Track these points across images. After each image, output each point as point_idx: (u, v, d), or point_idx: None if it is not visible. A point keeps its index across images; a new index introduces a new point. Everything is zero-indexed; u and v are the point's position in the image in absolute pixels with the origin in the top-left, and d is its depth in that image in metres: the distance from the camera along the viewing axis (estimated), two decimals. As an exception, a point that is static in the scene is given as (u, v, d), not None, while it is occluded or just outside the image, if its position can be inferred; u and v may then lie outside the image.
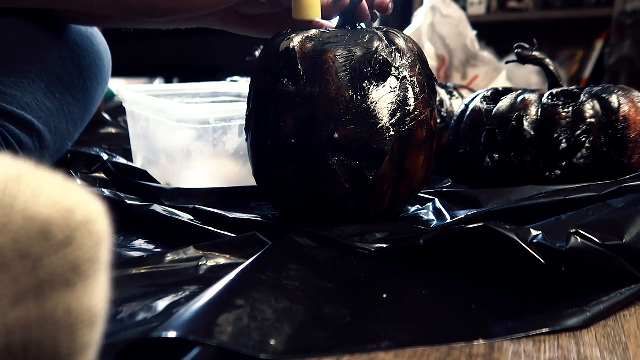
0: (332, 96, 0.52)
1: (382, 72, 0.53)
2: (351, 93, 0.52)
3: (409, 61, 0.55)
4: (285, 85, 0.54)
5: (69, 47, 0.72)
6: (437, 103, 0.85)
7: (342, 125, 0.52)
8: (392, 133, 0.53)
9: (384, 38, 0.55)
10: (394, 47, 0.54)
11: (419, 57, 0.56)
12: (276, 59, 0.55)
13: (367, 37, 0.54)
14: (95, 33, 0.78)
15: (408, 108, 0.54)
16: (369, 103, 0.52)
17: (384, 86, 0.53)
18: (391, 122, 0.53)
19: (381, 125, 0.53)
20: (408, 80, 0.54)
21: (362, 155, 0.53)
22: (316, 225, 0.54)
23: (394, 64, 0.54)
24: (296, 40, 0.54)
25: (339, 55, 0.53)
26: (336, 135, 0.52)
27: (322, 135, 0.53)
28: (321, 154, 0.53)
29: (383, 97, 0.53)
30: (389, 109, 0.53)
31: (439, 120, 0.86)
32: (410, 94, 0.54)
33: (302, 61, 0.53)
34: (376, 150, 0.53)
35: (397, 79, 0.54)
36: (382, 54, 0.53)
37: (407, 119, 0.54)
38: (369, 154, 0.53)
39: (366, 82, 0.53)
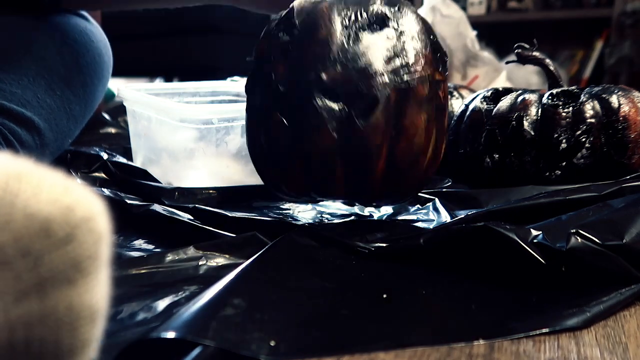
0: (322, 39, 0.50)
1: (378, 22, 0.51)
2: (343, 38, 0.51)
3: (413, 22, 0.53)
4: (280, 37, 0.53)
5: (67, 44, 0.71)
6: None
7: (331, 67, 0.50)
8: (387, 80, 0.50)
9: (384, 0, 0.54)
10: (395, 7, 0.53)
11: (425, 26, 0.54)
12: (276, 21, 0.55)
13: None
14: (95, 30, 0.78)
15: (406, 60, 0.51)
16: (361, 47, 0.50)
17: (379, 34, 0.51)
18: (385, 68, 0.50)
19: (374, 69, 0.50)
20: (407, 35, 0.52)
21: (352, 102, 0.50)
22: (317, 224, 0.54)
23: (392, 17, 0.52)
24: (297, 1, 0.55)
25: (335, 5, 0.52)
26: (324, 77, 0.49)
27: (309, 78, 0.50)
28: (308, 98, 0.50)
29: (377, 42, 0.50)
30: (384, 55, 0.50)
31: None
32: (408, 47, 0.51)
33: (298, 14, 0.53)
34: (367, 96, 0.50)
35: (395, 30, 0.52)
36: (379, 8, 0.52)
37: (405, 70, 0.51)
38: (360, 100, 0.50)
39: (360, 29, 0.51)
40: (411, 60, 0.51)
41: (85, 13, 0.79)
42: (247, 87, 0.57)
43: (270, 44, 0.54)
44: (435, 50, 0.54)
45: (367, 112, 0.50)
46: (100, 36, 0.79)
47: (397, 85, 0.50)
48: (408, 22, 0.53)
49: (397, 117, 0.51)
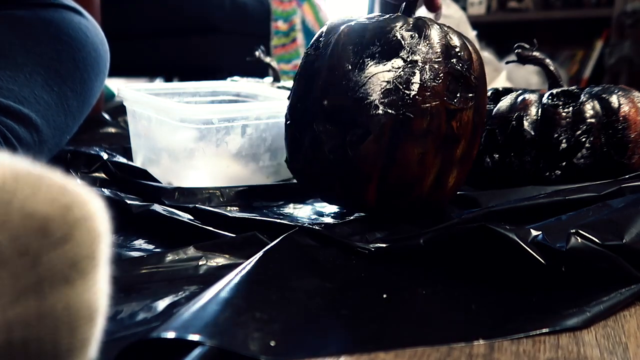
0: (332, 65, 0.53)
1: (389, 51, 0.52)
2: (349, 66, 0.53)
3: (432, 49, 0.52)
4: (309, 55, 0.58)
5: (63, 40, 0.71)
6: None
7: (333, 94, 0.53)
8: (381, 112, 0.51)
9: (412, 23, 0.54)
10: (416, 32, 0.53)
11: (448, 53, 0.53)
12: (318, 33, 0.59)
13: (395, 19, 0.54)
14: (90, 25, 0.78)
15: (408, 92, 0.51)
16: (363, 77, 0.52)
17: (384, 64, 0.52)
18: (382, 100, 0.51)
19: (369, 100, 0.51)
20: (418, 65, 0.52)
21: (347, 130, 0.52)
22: (316, 225, 0.54)
23: (407, 46, 0.52)
24: (335, 18, 0.58)
25: (353, 30, 0.54)
26: (325, 102, 0.53)
27: (315, 101, 0.54)
28: (312, 119, 0.54)
29: (379, 74, 0.51)
30: (382, 87, 0.51)
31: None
32: (415, 78, 0.51)
33: (326, 34, 0.57)
34: (360, 126, 0.52)
35: (404, 61, 0.52)
36: (397, 34, 0.53)
37: (404, 102, 0.51)
38: (354, 128, 0.52)
39: (369, 57, 0.52)
40: (413, 92, 0.51)
41: (79, 8, 0.79)
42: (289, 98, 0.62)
43: (303, 61, 0.59)
44: (454, 79, 0.53)
45: (358, 141, 0.52)
46: (96, 31, 0.79)
47: (393, 118, 0.51)
48: (425, 50, 0.52)
49: (390, 149, 0.52)
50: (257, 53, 1.21)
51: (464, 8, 2.42)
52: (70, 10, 0.76)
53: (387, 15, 0.55)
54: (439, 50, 0.53)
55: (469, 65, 0.54)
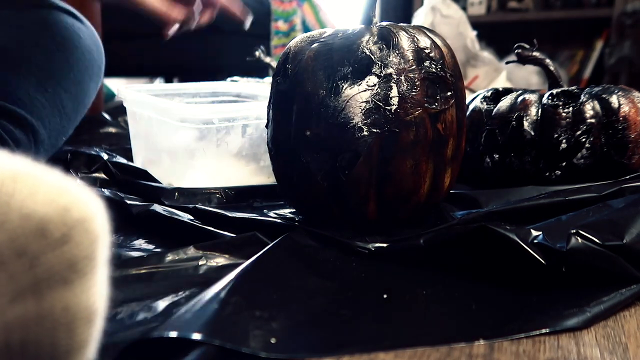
0: (307, 93, 0.52)
1: (360, 69, 0.51)
2: (324, 92, 0.51)
3: (403, 58, 0.52)
4: (280, 84, 0.56)
5: (55, 41, 0.71)
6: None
7: (314, 123, 0.52)
8: (366, 133, 0.51)
9: (376, 34, 0.53)
10: (383, 43, 0.52)
11: (419, 56, 0.53)
12: (282, 58, 0.57)
13: (358, 34, 0.53)
14: (83, 27, 0.78)
15: (389, 107, 0.51)
16: (340, 101, 0.51)
17: (359, 84, 0.51)
18: (365, 122, 0.51)
19: (352, 124, 0.51)
20: (393, 78, 0.51)
21: (335, 155, 0.52)
22: (317, 225, 0.54)
23: (377, 61, 0.51)
24: (295, 40, 0.56)
25: (319, 53, 0.53)
26: (308, 133, 0.52)
27: (296, 132, 0.53)
28: (296, 150, 0.54)
29: (356, 96, 0.51)
30: (362, 107, 0.51)
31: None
32: (393, 92, 0.51)
33: (292, 60, 0.55)
34: (348, 151, 0.51)
35: (378, 77, 0.51)
36: (365, 50, 0.51)
37: (386, 119, 0.51)
38: (342, 154, 0.52)
39: (342, 80, 0.51)
40: (394, 107, 0.51)
41: (73, 10, 0.78)
42: (267, 123, 0.61)
43: (275, 85, 0.58)
44: (431, 82, 0.53)
45: (349, 165, 0.52)
46: (89, 32, 0.78)
47: (380, 135, 0.51)
48: (397, 61, 0.52)
49: (381, 166, 0.52)
50: (257, 53, 1.21)
51: (464, 8, 2.42)
52: (63, 11, 0.76)
53: (350, 30, 0.54)
54: (410, 57, 0.52)
55: (442, 64, 0.53)
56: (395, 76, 0.51)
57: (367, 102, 0.51)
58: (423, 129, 0.52)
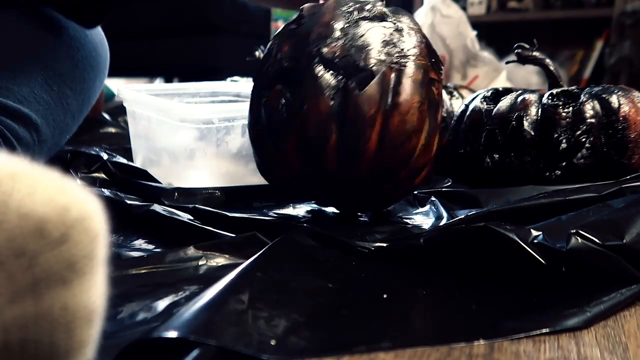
0: (326, 22, 0.55)
1: (377, 17, 0.56)
2: (345, 24, 0.55)
3: (409, 23, 0.57)
4: (288, 26, 0.58)
5: (62, 40, 0.71)
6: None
7: (332, 43, 0.54)
8: (383, 58, 0.54)
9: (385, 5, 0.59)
10: (394, 11, 0.58)
11: (422, 33, 0.58)
12: (296, 17, 0.59)
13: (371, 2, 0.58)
14: None
15: (402, 47, 0.55)
16: (360, 29, 0.55)
17: (378, 24, 0.55)
18: (382, 50, 0.54)
19: (371, 47, 0.54)
20: (405, 31, 0.56)
21: (350, 74, 0.53)
22: (317, 224, 0.54)
23: (392, 16, 0.57)
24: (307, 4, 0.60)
25: (340, 3, 0.57)
26: (325, 50, 0.53)
27: (311, 51, 0.54)
28: (308, 68, 0.54)
29: (375, 29, 0.55)
30: (380, 39, 0.54)
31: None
32: (405, 38, 0.55)
33: (307, 11, 0.58)
34: (364, 69, 0.53)
35: (393, 24, 0.56)
36: (381, 8, 0.57)
37: (401, 54, 0.54)
38: (357, 72, 0.53)
39: (361, 19, 0.56)
40: (407, 47, 0.55)
41: None
42: (255, 74, 0.60)
43: (278, 34, 0.59)
44: (430, 52, 0.57)
45: (362, 83, 0.53)
46: (95, 31, 0.79)
47: (393, 65, 0.54)
48: (406, 22, 0.57)
49: (392, 94, 0.53)
50: (257, 53, 1.21)
51: (464, 8, 2.42)
52: None
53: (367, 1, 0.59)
54: (416, 26, 0.58)
55: (429, 43, 0.59)
56: (406, 30, 0.56)
57: (384, 34, 0.55)
58: (427, 79, 0.55)
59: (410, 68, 0.54)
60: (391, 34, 0.55)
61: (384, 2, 0.61)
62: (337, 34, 0.54)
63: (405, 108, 0.53)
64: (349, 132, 0.53)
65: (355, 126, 0.53)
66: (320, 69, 0.53)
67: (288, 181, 0.59)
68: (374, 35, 0.54)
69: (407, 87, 0.54)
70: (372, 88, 0.53)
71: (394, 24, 0.56)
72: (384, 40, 0.54)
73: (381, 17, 0.56)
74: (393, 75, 0.54)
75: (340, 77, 0.53)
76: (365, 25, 0.55)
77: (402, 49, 0.55)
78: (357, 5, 0.57)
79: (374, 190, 0.56)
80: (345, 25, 0.55)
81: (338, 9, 0.56)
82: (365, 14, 0.56)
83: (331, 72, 0.53)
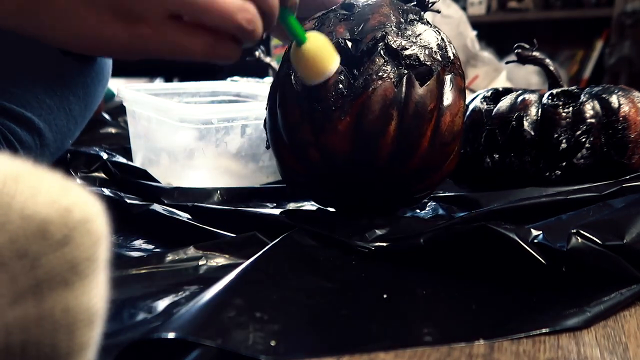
0: (385, 13, 0.56)
1: (427, 22, 0.58)
2: (403, 20, 0.56)
3: (445, 34, 0.59)
4: (337, 11, 0.58)
5: None
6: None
7: (394, 34, 0.54)
8: (439, 58, 0.55)
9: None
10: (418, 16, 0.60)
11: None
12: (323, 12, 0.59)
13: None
14: None
15: (449, 53, 0.56)
16: (416, 28, 0.56)
17: (430, 28, 0.57)
18: (437, 52, 0.55)
19: (429, 46, 0.55)
20: (446, 39, 0.57)
21: (412, 67, 0.54)
22: (317, 224, 0.54)
23: (434, 27, 0.58)
24: None
25: (391, 2, 0.58)
26: (389, 38, 0.54)
27: (375, 36, 0.54)
28: (372, 50, 0.54)
29: (430, 32, 0.56)
30: (435, 42, 0.56)
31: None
32: (448, 46, 0.57)
33: (356, 1, 0.59)
34: (424, 66, 0.54)
35: (439, 32, 0.57)
36: (425, 17, 0.59)
37: (449, 60, 0.56)
38: (418, 67, 0.54)
39: (415, 20, 0.57)
40: (451, 55, 0.57)
41: None
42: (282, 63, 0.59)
43: (323, 17, 0.58)
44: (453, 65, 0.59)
45: (424, 78, 0.54)
46: None
47: (445, 67, 0.55)
48: (444, 34, 0.59)
49: (446, 94, 0.55)
50: (257, 53, 1.21)
51: (464, 8, 2.42)
52: None
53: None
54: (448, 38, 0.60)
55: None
56: (447, 41, 0.58)
57: (437, 38, 0.56)
58: (464, 87, 0.58)
59: (457, 74, 0.56)
60: (441, 39, 0.57)
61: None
62: (400, 26, 0.56)
63: (455, 110, 0.55)
64: (409, 123, 0.53)
65: (415, 118, 0.53)
66: (385, 55, 0.54)
67: (319, 166, 0.56)
68: (430, 36, 0.56)
69: (456, 90, 0.55)
70: (432, 84, 0.54)
71: (439, 32, 0.58)
72: (437, 44, 0.56)
73: (429, 24, 0.58)
74: (447, 76, 0.55)
75: (402, 67, 0.54)
76: (421, 27, 0.57)
77: (449, 56, 0.56)
78: (408, 8, 0.59)
79: (406, 187, 0.57)
80: (403, 21, 0.57)
81: (392, 6, 0.58)
82: (417, 17, 0.58)
83: (395, 60, 0.54)
